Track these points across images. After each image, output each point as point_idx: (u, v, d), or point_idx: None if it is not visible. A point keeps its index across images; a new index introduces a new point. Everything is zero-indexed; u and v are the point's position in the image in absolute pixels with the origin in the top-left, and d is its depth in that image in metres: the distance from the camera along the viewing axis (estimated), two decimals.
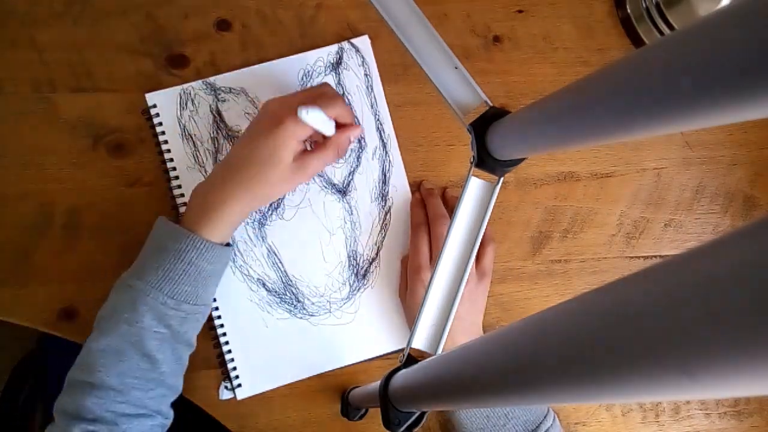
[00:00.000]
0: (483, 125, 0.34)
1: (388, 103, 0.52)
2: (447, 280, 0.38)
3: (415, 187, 0.53)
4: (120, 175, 0.50)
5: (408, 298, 0.49)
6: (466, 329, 0.48)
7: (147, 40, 0.50)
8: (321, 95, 0.44)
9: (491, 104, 0.35)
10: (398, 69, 0.52)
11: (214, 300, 0.50)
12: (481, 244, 0.50)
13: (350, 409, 0.49)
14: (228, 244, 0.46)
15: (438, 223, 0.49)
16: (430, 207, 0.51)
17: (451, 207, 0.51)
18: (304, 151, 0.44)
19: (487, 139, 0.34)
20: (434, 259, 0.48)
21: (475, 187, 0.37)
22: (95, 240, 0.49)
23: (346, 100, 0.51)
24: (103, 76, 0.50)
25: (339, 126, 0.46)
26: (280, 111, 0.42)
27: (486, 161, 0.35)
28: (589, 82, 0.24)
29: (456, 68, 0.36)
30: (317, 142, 0.47)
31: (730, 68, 0.16)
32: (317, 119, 0.41)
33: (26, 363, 0.72)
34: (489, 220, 0.37)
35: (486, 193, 0.37)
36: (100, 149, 0.50)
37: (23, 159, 0.49)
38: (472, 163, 0.36)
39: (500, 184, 0.36)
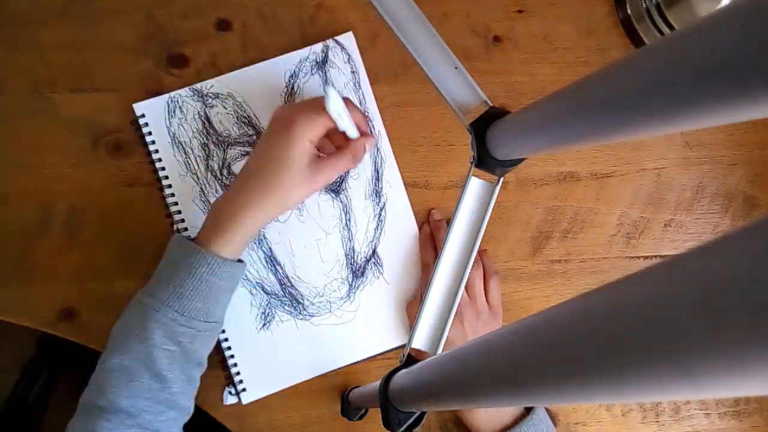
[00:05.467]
0: (483, 125, 0.34)
1: (388, 103, 0.52)
2: (447, 281, 0.38)
3: (413, 185, 0.53)
4: (120, 175, 0.50)
5: None
6: (493, 319, 0.49)
7: (147, 40, 0.50)
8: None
9: (491, 104, 0.35)
10: (398, 69, 0.52)
11: None
12: (485, 277, 0.51)
13: (350, 409, 0.49)
14: (240, 260, 0.45)
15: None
16: (440, 243, 0.50)
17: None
18: (319, 158, 0.44)
19: (487, 139, 0.34)
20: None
21: (475, 187, 0.37)
22: (95, 240, 0.49)
23: None
24: (103, 76, 0.50)
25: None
26: (289, 114, 0.42)
27: (486, 161, 0.35)
28: (589, 82, 0.24)
29: (456, 68, 0.36)
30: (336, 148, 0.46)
31: (729, 68, 0.16)
32: (341, 108, 0.40)
33: (36, 362, 0.72)
34: (489, 220, 0.37)
35: (486, 193, 0.37)
36: (99, 149, 0.50)
37: (23, 159, 0.49)
38: (472, 163, 0.36)
39: (500, 184, 0.36)
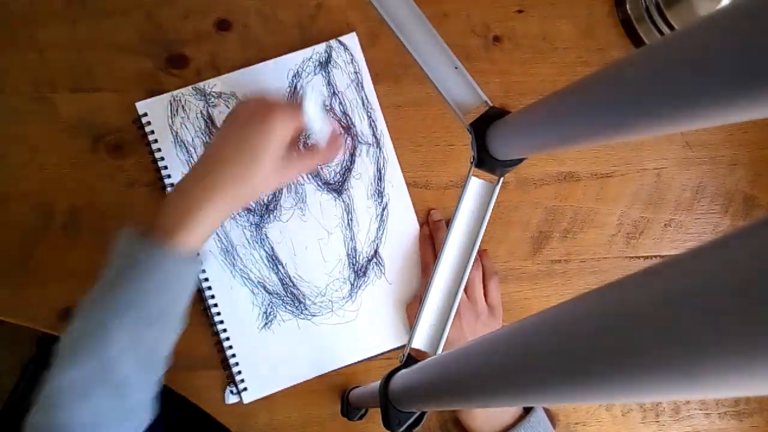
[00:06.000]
0: (483, 125, 0.34)
1: (388, 103, 0.52)
2: (447, 281, 0.38)
3: (413, 185, 0.53)
4: (119, 175, 0.50)
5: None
6: (493, 315, 0.49)
7: (147, 40, 0.50)
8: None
9: (491, 104, 0.35)
10: (398, 69, 0.52)
11: (216, 306, 0.50)
12: (484, 278, 0.51)
13: (350, 409, 0.49)
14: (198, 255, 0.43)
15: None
16: (439, 243, 0.50)
17: None
18: (291, 149, 0.42)
19: (487, 139, 0.34)
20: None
21: (475, 187, 0.37)
22: (95, 240, 0.49)
23: (338, 99, 0.51)
24: (103, 76, 0.50)
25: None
26: (266, 107, 0.40)
27: (486, 161, 0.35)
28: (589, 82, 0.24)
29: (456, 68, 0.36)
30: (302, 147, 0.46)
31: (729, 69, 0.16)
32: (318, 109, 0.40)
33: (36, 362, 0.71)
34: (489, 220, 0.37)
35: (486, 193, 0.37)
36: (99, 149, 0.50)
37: (23, 159, 0.49)
38: (472, 163, 0.35)
39: (500, 184, 0.36)
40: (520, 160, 0.35)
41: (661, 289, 0.13)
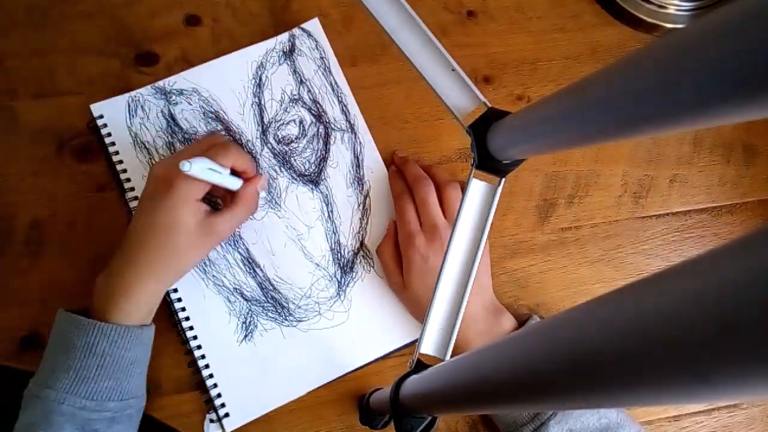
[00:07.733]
0: (483, 126, 0.34)
1: (370, 84, 0.50)
2: (453, 284, 0.36)
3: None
4: (87, 179, 0.46)
5: (405, 274, 0.44)
6: (475, 291, 0.44)
7: (113, 41, 0.48)
8: (211, 146, 0.41)
9: (490, 105, 0.34)
10: (376, 49, 0.51)
11: (187, 319, 0.44)
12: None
13: (374, 415, 0.42)
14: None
15: (419, 185, 0.45)
16: (408, 172, 0.47)
17: (434, 179, 0.47)
18: (211, 212, 0.40)
19: (487, 140, 0.34)
20: (423, 223, 0.45)
21: (476, 189, 0.36)
22: (61, 254, 0.44)
23: (306, 87, 0.49)
24: (68, 79, 0.47)
25: (242, 177, 0.42)
26: (167, 173, 0.38)
27: (487, 163, 0.34)
28: (590, 83, 0.23)
29: (453, 70, 0.35)
30: (225, 200, 0.43)
31: (731, 70, 0.15)
32: (205, 170, 0.37)
33: None
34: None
35: (488, 194, 0.36)
36: (65, 155, 0.46)
37: None
38: (472, 165, 0.34)
39: (502, 186, 0.35)
40: (522, 161, 0.34)
41: (674, 296, 0.12)
